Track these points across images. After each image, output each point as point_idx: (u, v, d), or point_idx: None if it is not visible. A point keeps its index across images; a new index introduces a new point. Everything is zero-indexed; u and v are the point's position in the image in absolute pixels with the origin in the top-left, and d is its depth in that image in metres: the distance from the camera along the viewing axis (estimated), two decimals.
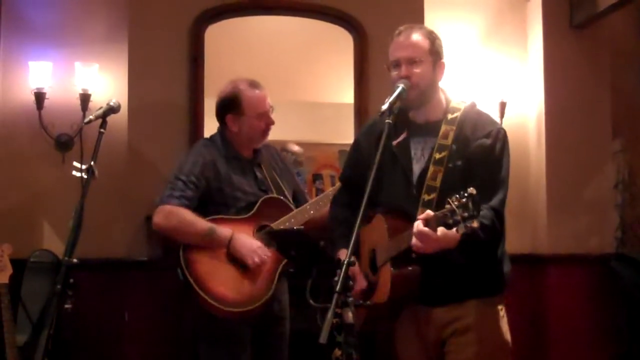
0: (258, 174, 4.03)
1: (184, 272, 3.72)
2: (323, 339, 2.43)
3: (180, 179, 3.83)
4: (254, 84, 4.01)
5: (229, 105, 4.00)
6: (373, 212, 3.18)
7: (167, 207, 3.79)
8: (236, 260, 3.79)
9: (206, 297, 3.68)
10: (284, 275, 3.95)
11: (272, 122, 4.02)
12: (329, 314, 2.49)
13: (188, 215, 3.77)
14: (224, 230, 3.78)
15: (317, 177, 5.39)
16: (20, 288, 4.67)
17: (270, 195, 3.98)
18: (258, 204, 3.91)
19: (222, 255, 3.78)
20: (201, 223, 3.77)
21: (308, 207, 4.04)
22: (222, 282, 3.74)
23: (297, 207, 4.05)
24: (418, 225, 2.79)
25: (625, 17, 5.81)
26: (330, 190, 4.16)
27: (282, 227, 3.90)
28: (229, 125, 4.00)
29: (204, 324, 3.83)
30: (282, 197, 4.01)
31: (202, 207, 3.85)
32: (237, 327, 3.81)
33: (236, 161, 3.99)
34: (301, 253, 3.09)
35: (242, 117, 3.97)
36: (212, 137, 4.11)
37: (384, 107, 2.96)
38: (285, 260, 3.84)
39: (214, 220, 3.81)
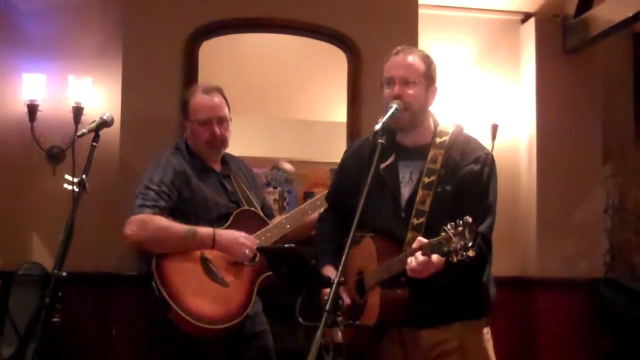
0: (228, 185, 3.89)
1: (158, 287, 3.55)
2: (312, 357, 2.43)
3: (152, 188, 3.67)
4: (207, 90, 3.87)
5: (181, 108, 3.95)
6: (360, 235, 3.17)
7: (139, 217, 3.61)
8: (213, 273, 3.65)
9: (183, 314, 3.51)
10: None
11: (216, 133, 3.81)
12: (318, 333, 2.48)
13: (163, 221, 3.60)
14: (205, 229, 3.63)
15: (308, 195, 5.39)
16: (7, 300, 4.65)
17: (244, 207, 3.86)
18: (232, 216, 3.78)
19: (198, 268, 3.63)
20: (179, 226, 3.60)
21: (284, 221, 3.92)
22: (199, 297, 3.57)
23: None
24: (418, 256, 2.80)
25: (617, 43, 5.85)
26: (306, 204, 4.07)
27: (258, 241, 3.77)
28: (182, 128, 3.96)
29: (173, 344, 3.65)
30: (256, 210, 3.90)
31: (173, 218, 3.66)
32: (207, 348, 3.65)
33: (205, 172, 3.84)
34: (292, 271, 3.08)
35: (187, 122, 3.88)
36: (178, 144, 3.96)
37: (377, 126, 2.96)
38: (265, 275, 3.76)
39: None
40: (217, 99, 3.87)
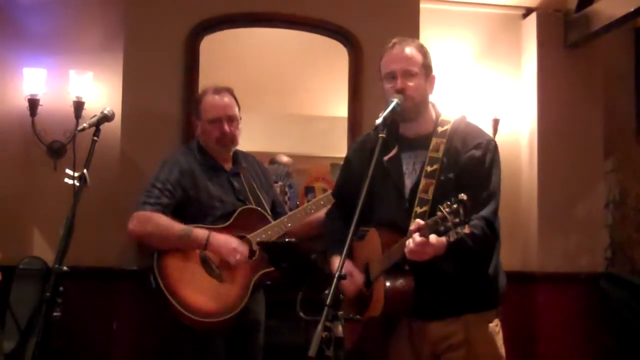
0: (236, 183, 4.01)
1: (156, 279, 3.71)
2: (312, 352, 2.43)
3: (156, 186, 3.84)
4: (217, 90, 4.04)
5: (194, 108, 4.12)
6: (366, 229, 3.18)
7: (142, 213, 3.80)
8: (211, 268, 3.78)
9: (179, 307, 3.66)
10: (260, 286, 3.94)
11: (225, 132, 3.96)
12: (319, 327, 2.49)
13: (163, 220, 3.77)
14: (200, 231, 3.77)
15: (309, 189, 5.37)
16: (8, 294, 4.65)
17: (248, 206, 3.96)
18: (235, 214, 3.90)
19: (196, 264, 3.77)
20: (177, 226, 3.77)
21: (286, 219, 4.01)
22: (195, 291, 3.71)
23: (275, 219, 4.03)
24: (415, 237, 2.80)
25: (619, 38, 5.84)
26: (308, 204, 4.16)
27: (258, 239, 3.88)
28: (194, 128, 4.12)
29: (180, 336, 3.78)
30: (259, 209, 3.99)
31: (179, 216, 3.84)
32: (212, 339, 3.77)
33: (213, 170, 3.98)
34: (293, 265, 3.09)
35: (198, 121, 4.04)
36: (190, 144, 4.15)
37: (378, 121, 2.97)
38: (262, 272, 3.82)
39: None
40: (227, 98, 4.02)
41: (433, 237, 2.76)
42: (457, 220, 2.64)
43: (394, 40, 3.22)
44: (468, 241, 2.85)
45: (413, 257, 2.84)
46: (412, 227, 2.84)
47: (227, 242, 3.78)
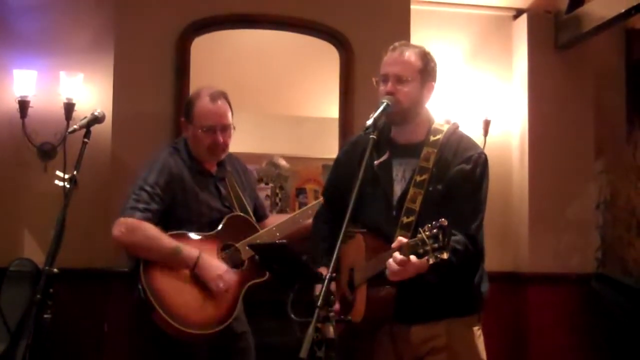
0: (222, 189, 3.90)
1: (144, 288, 3.56)
2: (304, 353, 2.43)
3: (146, 190, 3.67)
4: (214, 96, 3.82)
5: (185, 109, 3.92)
6: (353, 230, 3.17)
7: (130, 221, 3.61)
8: (200, 280, 3.65)
9: (165, 316, 3.52)
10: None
11: (218, 141, 3.81)
12: (310, 329, 2.48)
13: (153, 231, 3.61)
14: (191, 251, 3.63)
15: (300, 191, 5.38)
16: None
17: (236, 213, 3.88)
18: (223, 222, 3.80)
19: (185, 273, 3.64)
20: (167, 241, 3.62)
21: (274, 228, 3.94)
22: (183, 302, 3.59)
23: (257, 221, 3.97)
24: (395, 256, 2.80)
25: (609, 39, 5.85)
26: (297, 213, 4.12)
27: (247, 247, 3.79)
28: (182, 128, 3.95)
29: (159, 345, 3.68)
30: (247, 217, 3.91)
31: (165, 220, 3.70)
32: (193, 348, 3.68)
33: (201, 176, 3.85)
34: (284, 267, 3.09)
35: (189, 125, 3.85)
36: (176, 144, 3.96)
37: (369, 122, 2.96)
38: (251, 282, 3.76)
39: (177, 236, 3.66)
40: (223, 106, 3.85)
41: (413, 258, 2.76)
42: (436, 245, 2.64)
43: (396, 44, 3.19)
44: (451, 258, 2.85)
45: (395, 279, 2.85)
46: (394, 245, 2.84)
47: (216, 267, 3.68)
